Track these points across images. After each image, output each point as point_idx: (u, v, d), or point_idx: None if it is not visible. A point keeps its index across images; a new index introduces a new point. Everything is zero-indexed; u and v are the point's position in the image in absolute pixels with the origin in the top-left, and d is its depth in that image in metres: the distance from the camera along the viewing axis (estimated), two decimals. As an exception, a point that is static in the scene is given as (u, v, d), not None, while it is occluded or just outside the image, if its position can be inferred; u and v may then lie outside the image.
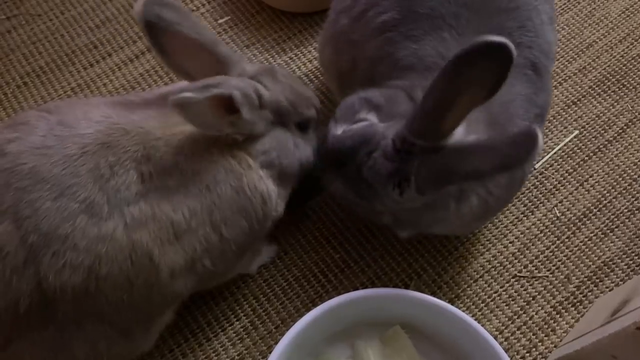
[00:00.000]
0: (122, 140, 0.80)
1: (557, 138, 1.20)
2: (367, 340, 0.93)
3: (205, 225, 0.83)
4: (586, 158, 1.18)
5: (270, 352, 0.87)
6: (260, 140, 0.87)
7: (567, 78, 1.28)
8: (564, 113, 1.23)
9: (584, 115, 1.23)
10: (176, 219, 0.80)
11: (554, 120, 1.22)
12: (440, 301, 0.88)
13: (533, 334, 1.00)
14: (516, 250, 1.08)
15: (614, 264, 1.07)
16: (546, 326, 1.01)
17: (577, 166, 1.17)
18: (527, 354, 0.99)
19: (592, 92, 1.26)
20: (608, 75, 1.28)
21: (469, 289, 1.04)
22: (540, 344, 1.00)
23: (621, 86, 1.26)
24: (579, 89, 1.26)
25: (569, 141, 1.19)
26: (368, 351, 0.91)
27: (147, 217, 0.79)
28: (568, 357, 0.88)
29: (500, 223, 1.11)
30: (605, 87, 1.26)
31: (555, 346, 0.99)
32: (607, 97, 1.25)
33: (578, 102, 1.24)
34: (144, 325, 0.85)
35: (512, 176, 0.91)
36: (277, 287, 1.04)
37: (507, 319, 1.02)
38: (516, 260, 1.07)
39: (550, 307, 1.03)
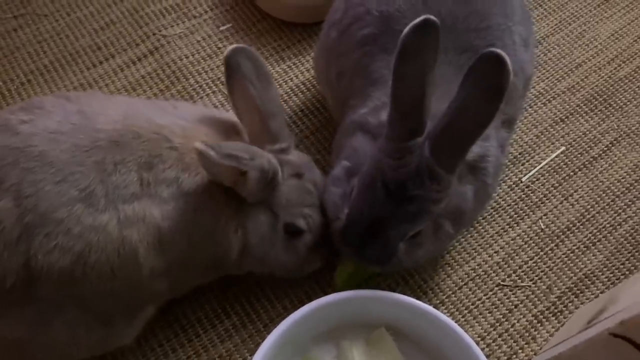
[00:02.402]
0: (133, 143, 0.85)
1: (544, 153, 1.24)
2: (352, 340, 0.95)
3: (184, 241, 0.87)
4: (571, 173, 1.21)
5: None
6: (250, 207, 0.91)
7: (555, 96, 1.32)
8: (552, 129, 1.27)
9: (571, 132, 1.27)
10: (162, 227, 0.85)
11: (542, 136, 1.26)
12: (424, 305, 0.91)
13: (514, 342, 1.03)
14: (500, 260, 1.11)
15: (594, 276, 1.10)
16: (527, 334, 1.04)
17: (562, 181, 1.20)
18: (508, 361, 1.02)
19: (580, 110, 1.30)
20: (595, 94, 1.32)
21: (453, 295, 1.07)
22: (520, 351, 1.02)
23: (608, 105, 1.30)
24: (567, 107, 1.30)
25: (556, 157, 1.23)
26: (353, 351, 0.94)
27: (138, 218, 0.83)
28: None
29: (485, 233, 1.14)
30: (592, 105, 1.30)
31: (535, 354, 1.02)
32: (594, 115, 1.29)
33: (566, 120, 1.28)
34: (124, 317, 0.88)
35: (478, 192, 0.95)
36: (267, 287, 1.07)
37: (489, 325, 1.05)
38: (500, 270, 1.10)
39: (532, 315, 1.06)
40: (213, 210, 0.89)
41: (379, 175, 0.86)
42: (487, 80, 0.77)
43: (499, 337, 1.04)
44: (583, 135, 1.26)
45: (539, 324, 1.05)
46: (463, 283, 1.09)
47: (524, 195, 1.18)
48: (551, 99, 1.31)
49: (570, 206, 1.17)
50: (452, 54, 0.93)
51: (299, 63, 1.33)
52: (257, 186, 0.87)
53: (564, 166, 1.22)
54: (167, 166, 0.86)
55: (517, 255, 1.12)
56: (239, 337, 1.02)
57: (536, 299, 1.07)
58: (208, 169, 0.85)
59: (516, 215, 1.16)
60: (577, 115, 1.29)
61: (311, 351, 0.95)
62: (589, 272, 1.10)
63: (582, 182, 1.20)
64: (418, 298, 1.05)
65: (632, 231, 1.14)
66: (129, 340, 0.94)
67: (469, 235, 1.13)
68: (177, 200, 0.86)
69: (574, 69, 1.36)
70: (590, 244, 1.13)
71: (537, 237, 1.14)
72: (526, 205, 1.17)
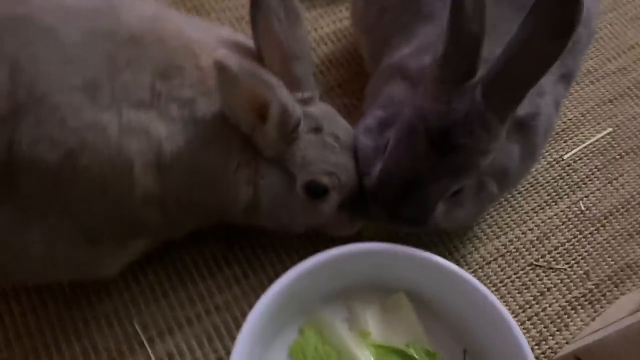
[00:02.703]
0: (154, 46, 0.74)
1: (589, 133, 1.13)
2: (366, 303, 0.85)
3: (186, 173, 0.77)
4: (617, 157, 1.11)
5: (259, 303, 0.79)
6: (266, 163, 0.80)
7: (605, 75, 1.21)
8: (599, 109, 1.16)
9: (619, 114, 1.16)
10: (164, 149, 0.74)
11: (588, 115, 1.15)
12: (455, 266, 0.80)
13: (544, 327, 0.92)
14: (534, 239, 1.00)
15: (637, 266, 0.99)
16: (559, 320, 0.93)
17: (607, 163, 1.10)
18: (536, 347, 0.91)
19: (630, 92, 1.19)
20: (648, 78, 1.22)
21: (480, 270, 0.97)
22: (550, 337, 0.91)
23: (661, 92, 1.20)
24: (617, 87, 1.20)
25: (601, 137, 1.13)
26: (366, 315, 0.83)
27: (141, 128, 0.73)
28: (587, 348, 0.80)
29: (520, 208, 1.03)
30: (644, 90, 1.20)
31: (567, 342, 0.91)
32: (645, 100, 1.19)
33: (614, 101, 1.18)
34: (112, 240, 0.78)
35: (524, 152, 0.84)
36: (275, 239, 0.96)
37: (518, 307, 0.94)
38: (534, 249, 0.99)
39: (565, 301, 0.95)
40: (225, 150, 0.78)
41: (421, 123, 0.75)
42: (555, 14, 0.66)
43: (528, 320, 0.93)
44: (632, 119, 1.16)
45: (573, 311, 0.94)
46: (492, 258, 0.98)
47: (564, 174, 1.08)
48: (600, 77, 1.21)
49: (615, 190, 1.07)
50: None
51: (331, 12, 1.23)
52: (277, 131, 0.76)
53: (610, 148, 1.12)
54: (187, 83, 0.75)
55: (553, 236, 1.01)
56: (240, 288, 0.92)
57: (571, 283, 0.97)
58: (224, 90, 0.73)
59: (555, 194, 1.05)
60: (627, 98, 1.19)
61: (321, 311, 0.84)
62: (632, 261, 0.99)
63: (628, 166, 1.10)
64: (442, 268, 0.95)
65: (681, 224, 1.04)
66: (113, 271, 0.84)
67: (502, 209, 1.03)
68: (187, 124, 0.75)
69: (626, 50, 1.25)
70: (635, 232, 1.02)
71: (576, 219, 1.03)
72: (566, 184, 1.07)
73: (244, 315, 0.88)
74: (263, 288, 0.90)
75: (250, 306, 0.89)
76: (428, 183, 0.77)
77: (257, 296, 0.90)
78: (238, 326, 0.88)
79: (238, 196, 0.81)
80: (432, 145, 0.75)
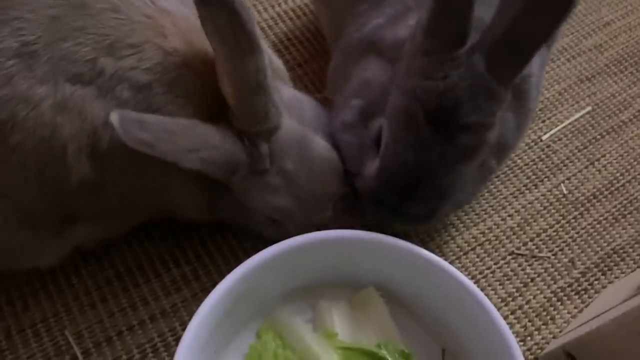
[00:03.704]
0: (104, 14, 0.64)
1: (568, 112, 1.06)
2: (332, 300, 0.75)
3: (123, 163, 0.66)
4: (598, 137, 1.04)
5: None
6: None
7: (581, 53, 1.15)
8: (577, 87, 1.09)
9: (597, 92, 1.09)
10: (100, 134, 0.64)
11: (565, 94, 1.08)
12: (433, 256, 0.71)
13: (529, 321, 0.84)
14: (515, 225, 0.92)
15: (624, 252, 0.91)
16: (544, 313, 0.85)
17: (588, 144, 1.03)
18: (521, 343, 0.82)
19: (608, 70, 1.13)
20: (626, 55, 1.15)
21: (457, 261, 0.88)
22: (536, 332, 0.83)
23: None
24: (594, 65, 1.13)
25: (581, 117, 1.06)
26: (333, 313, 0.73)
27: (75, 106, 0.63)
28: (578, 341, 0.71)
29: (498, 193, 0.95)
30: (622, 67, 1.13)
31: (554, 337, 0.83)
32: (624, 77, 1.12)
33: (592, 79, 1.11)
34: (50, 228, 0.68)
35: (520, 120, 0.76)
36: (230, 235, 0.86)
37: (499, 300, 0.85)
38: (514, 236, 0.91)
39: (551, 292, 0.87)
40: None
41: (418, 107, 0.66)
42: None
43: (511, 314, 0.84)
44: (612, 97, 1.09)
45: (559, 302, 0.86)
46: (470, 248, 0.89)
47: (543, 155, 1.00)
48: (576, 55, 1.14)
49: (597, 172, 0.99)
50: None
51: (290, -12, 1.14)
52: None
53: (590, 128, 1.05)
54: (143, 66, 0.64)
55: (534, 222, 0.93)
56: (189, 290, 0.81)
57: (556, 273, 0.88)
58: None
59: (535, 177, 0.98)
60: (605, 76, 1.12)
61: (281, 310, 0.74)
62: (618, 247, 0.92)
63: (610, 146, 1.03)
64: (415, 260, 0.86)
65: (667, 206, 0.97)
66: (50, 262, 0.74)
67: (479, 195, 0.94)
68: (139, 109, 0.65)
69: (602, 26, 1.19)
70: (620, 216, 0.95)
71: (558, 204, 0.95)
72: (546, 167, 0.99)
73: (194, 319, 0.78)
74: (216, 288, 0.81)
75: (201, 309, 0.80)
76: (439, 174, 0.68)
77: (210, 298, 0.80)
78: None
79: (193, 203, 0.73)
80: (436, 129, 0.66)
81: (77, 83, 0.62)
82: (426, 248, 0.87)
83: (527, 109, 0.76)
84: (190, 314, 0.78)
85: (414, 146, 0.67)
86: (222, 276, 0.81)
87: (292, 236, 0.72)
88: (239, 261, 0.83)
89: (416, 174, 0.68)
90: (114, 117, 0.59)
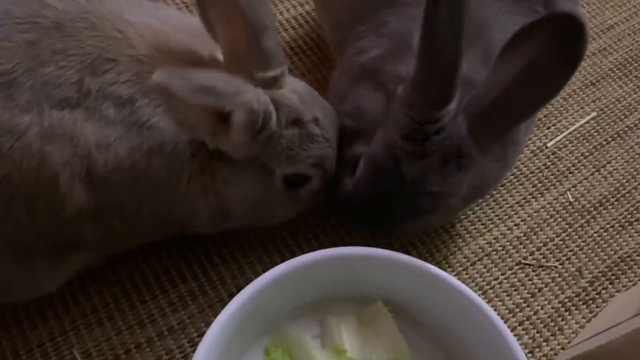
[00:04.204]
0: (83, 34, 0.63)
1: (573, 118, 1.05)
2: (340, 316, 0.75)
3: (125, 187, 0.66)
4: (604, 142, 1.03)
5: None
6: (231, 167, 0.69)
7: (585, 57, 1.13)
8: (581, 93, 1.09)
9: (602, 97, 1.09)
10: (95, 157, 0.63)
11: (570, 99, 1.08)
12: (437, 269, 0.71)
13: (537, 332, 0.84)
14: (522, 235, 0.92)
15: (632, 260, 0.91)
16: (552, 324, 0.84)
17: (593, 150, 1.02)
18: (530, 355, 0.82)
19: (613, 74, 1.12)
20: (630, 59, 1.14)
21: (464, 272, 0.88)
22: (544, 343, 0.83)
23: (645, 72, 1.14)
24: (598, 69, 1.12)
25: (586, 123, 1.05)
26: (341, 329, 0.73)
27: (64, 132, 0.61)
28: (588, 354, 0.71)
29: (504, 202, 0.95)
30: (626, 71, 1.13)
31: (562, 348, 0.82)
32: (629, 81, 1.11)
33: (597, 83, 1.11)
34: (48, 258, 0.67)
35: (505, 161, 0.77)
36: (236, 249, 0.86)
37: (507, 311, 0.85)
38: (521, 246, 0.91)
39: (559, 302, 0.86)
40: (175, 159, 0.67)
41: (393, 161, 0.68)
42: (558, 49, 0.59)
43: (519, 325, 0.84)
44: (617, 102, 1.08)
45: (567, 313, 0.86)
46: (477, 259, 0.89)
47: (549, 163, 1.00)
48: (580, 59, 1.13)
49: (603, 179, 0.99)
50: None
51: (292, -4, 1.13)
52: (245, 136, 0.64)
53: (595, 134, 1.04)
54: (122, 79, 0.64)
55: (541, 231, 0.92)
56: (196, 306, 0.81)
57: (564, 282, 0.88)
58: (175, 111, 0.61)
59: (540, 185, 0.97)
60: (610, 80, 1.11)
61: (287, 327, 0.74)
62: (625, 255, 0.92)
63: (616, 152, 1.02)
64: (422, 272, 0.86)
65: (674, 212, 0.97)
66: (50, 290, 0.73)
67: (485, 204, 0.94)
68: (129, 130, 0.64)
69: (605, 30, 1.18)
70: (627, 223, 0.95)
71: (564, 211, 0.95)
72: (552, 174, 0.98)
73: (202, 336, 0.78)
74: (223, 304, 0.80)
75: (209, 325, 0.79)
76: (394, 212, 0.72)
77: (217, 313, 0.80)
78: (195, 350, 0.77)
79: (196, 208, 0.72)
80: (402, 187, 0.69)
81: (64, 108, 0.61)
82: (433, 259, 0.88)
83: (515, 144, 0.76)
84: (198, 331, 0.79)
85: (378, 191, 0.71)
86: (228, 291, 0.82)
87: (305, 205, 0.77)
88: (244, 274, 0.84)
89: (380, 208, 0.72)
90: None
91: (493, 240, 0.91)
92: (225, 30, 0.68)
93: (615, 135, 1.04)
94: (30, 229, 0.63)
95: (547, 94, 0.62)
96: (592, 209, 0.96)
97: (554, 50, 0.58)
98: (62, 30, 0.62)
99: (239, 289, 0.81)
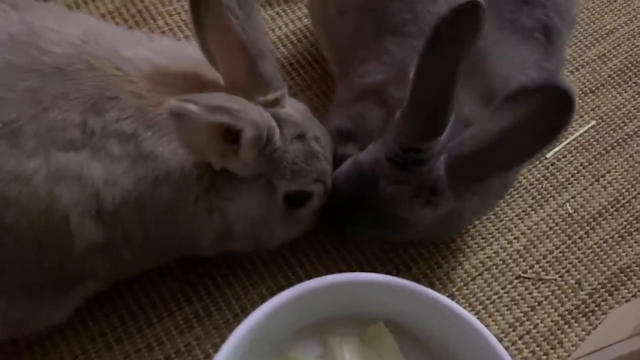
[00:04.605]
0: (83, 75, 0.65)
1: (572, 127, 1.06)
2: (343, 337, 0.76)
3: (133, 217, 0.68)
4: (603, 152, 1.04)
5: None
6: (235, 184, 0.71)
7: (584, 64, 1.14)
8: (581, 101, 1.09)
9: (602, 105, 1.09)
10: (103, 194, 0.65)
11: (569, 108, 1.08)
12: (435, 293, 0.72)
13: (537, 346, 0.85)
14: (521, 248, 0.93)
15: (631, 271, 0.92)
16: (552, 337, 0.86)
17: (593, 160, 1.03)
18: (530, 369, 0.84)
19: (612, 81, 1.12)
20: (629, 65, 1.14)
21: (465, 287, 0.89)
22: (545, 357, 0.84)
23: (644, 78, 1.14)
24: (598, 76, 1.13)
25: (585, 132, 1.05)
26: (343, 349, 0.75)
27: (72, 173, 0.63)
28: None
29: (504, 215, 0.96)
30: (626, 77, 1.13)
31: (562, 361, 0.84)
32: (628, 87, 1.12)
33: (596, 91, 1.11)
34: (56, 293, 0.69)
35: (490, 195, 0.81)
36: (239, 270, 0.87)
37: (507, 325, 0.86)
38: (521, 259, 0.92)
39: (558, 315, 0.88)
40: (181, 183, 0.69)
41: (372, 177, 0.71)
42: (546, 117, 0.61)
43: (519, 339, 0.85)
44: (616, 110, 1.09)
45: (567, 326, 0.87)
46: (477, 273, 0.90)
47: (548, 174, 1.00)
48: (579, 67, 1.13)
49: (602, 189, 1.00)
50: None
51: (289, 10, 1.13)
52: (253, 151, 0.66)
53: (595, 143, 1.05)
54: (124, 116, 0.66)
55: (540, 244, 0.94)
56: (202, 328, 0.83)
57: (563, 295, 0.89)
58: (187, 136, 0.62)
59: (540, 197, 0.98)
60: (609, 87, 1.11)
61: (291, 349, 0.75)
62: (625, 266, 0.93)
63: (615, 162, 1.03)
64: (423, 289, 0.87)
65: (673, 221, 0.97)
66: (61, 319, 0.75)
67: (485, 218, 0.95)
68: (134, 163, 0.66)
69: (604, 35, 1.18)
70: (626, 234, 0.96)
71: (564, 223, 0.96)
72: (551, 186, 0.99)
73: (208, 358, 0.81)
74: (228, 325, 0.83)
75: (215, 347, 0.81)
76: (363, 223, 0.77)
77: (222, 335, 0.82)
78: (202, 372, 0.79)
79: (202, 228, 0.73)
80: (375, 200, 0.72)
81: (70, 150, 0.63)
82: (434, 275, 0.89)
83: (500, 189, 0.80)
84: (205, 352, 0.81)
85: (353, 196, 0.75)
86: (233, 312, 0.84)
87: (305, 225, 0.80)
88: (248, 295, 0.86)
89: (352, 208, 0.76)
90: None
91: (493, 255, 0.92)
92: (224, 59, 0.70)
93: (615, 144, 1.05)
94: (39, 267, 0.65)
95: (525, 155, 0.65)
96: (591, 220, 0.97)
97: (541, 117, 0.61)
98: (62, 74, 0.64)
99: (244, 310, 0.84)
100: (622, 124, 1.07)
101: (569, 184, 1.00)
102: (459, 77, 0.61)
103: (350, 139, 0.79)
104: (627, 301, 0.89)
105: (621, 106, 1.09)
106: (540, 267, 0.92)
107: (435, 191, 0.69)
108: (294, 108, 0.74)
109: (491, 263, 0.91)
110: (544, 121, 0.61)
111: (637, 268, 0.93)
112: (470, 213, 0.82)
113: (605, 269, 0.92)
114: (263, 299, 0.84)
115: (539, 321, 0.87)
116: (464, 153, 0.66)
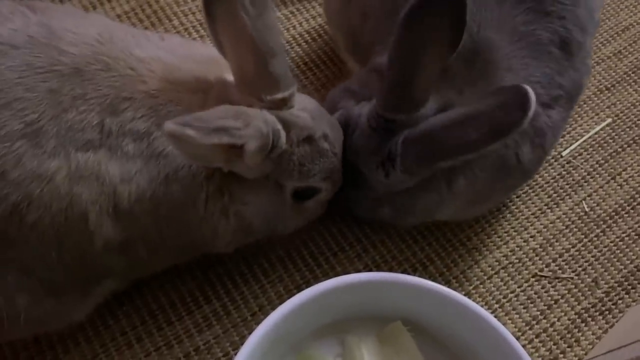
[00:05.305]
0: (99, 76, 0.66)
1: (588, 125, 1.06)
2: (361, 336, 0.77)
3: (149, 215, 0.69)
4: (619, 149, 1.03)
5: (243, 343, 0.70)
6: (246, 187, 0.72)
7: (600, 61, 1.14)
8: (596, 99, 1.09)
9: (618, 102, 1.09)
10: (120, 191, 0.66)
11: (585, 106, 1.08)
12: (452, 292, 0.72)
13: (554, 344, 0.85)
14: (537, 246, 0.93)
15: (648, 270, 0.92)
16: (569, 335, 0.86)
17: (609, 157, 1.02)
18: (547, 367, 0.84)
19: (628, 78, 1.12)
20: (646, 62, 1.14)
21: (481, 286, 0.89)
22: (562, 355, 0.85)
23: (660, 75, 1.13)
24: (613, 74, 1.12)
25: (601, 129, 1.05)
26: (362, 349, 0.75)
27: (91, 172, 0.64)
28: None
29: (520, 214, 0.96)
30: (642, 74, 1.13)
31: (579, 359, 0.84)
32: (644, 85, 1.11)
33: (612, 88, 1.10)
34: (76, 290, 0.71)
35: (501, 160, 0.78)
36: (257, 268, 0.88)
37: (524, 323, 0.87)
38: (537, 258, 0.92)
39: (575, 313, 0.88)
40: (191, 183, 0.69)
41: (355, 125, 0.77)
42: (497, 115, 0.65)
43: (536, 337, 0.86)
44: (632, 107, 1.08)
45: (584, 324, 0.87)
46: (493, 272, 0.90)
47: (564, 172, 1.00)
48: (595, 64, 1.13)
49: (619, 187, 0.99)
50: None
51: (303, 9, 1.13)
52: (258, 158, 0.66)
53: (611, 141, 1.04)
54: (138, 115, 0.66)
55: (557, 242, 0.94)
56: (221, 326, 0.83)
57: (580, 293, 0.89)
58: (186, 152, 0.63)
59: (556, 195, 0.98)
60: (625, 84, 1.11)
61: (309, 348, 0.76)
62: (642, 264, 0.93)
63: (631, 159, 1.02)
64: (440, 287, 0.88)
65: (690, 219, 0.97)
66: (80, 318, 0.76)
67: (501, 216, 0.95)
68: (147, 161, 0.67)
69: (620, 32, 1.17)
70: (643, 232, 0.96)
71: (580, 222, 0.96)
72: (567, 184, 0.99)
73: (227, 356, 0.81)
74: (246, 324, 0.84)
75: (233, 345, 0.83)
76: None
77: (241, 334, 0.83)
78: (222, 370, 0.80)
79: (217, 230, 0.74)
80: (348, 147, 0.77)
81: (89, 150, 0.64)
82: (450, 274, 0.90)
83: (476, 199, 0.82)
84: (224, 351, 0.82)
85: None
86: (251, 310, 0.85)
87: (315, 214, 0.81)
88: (266, 294, 0.87)
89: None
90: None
91: (509, 253, 0.92)
92: (234, 53, 0.70)
93: (631, 142, 1.04)
94: (59, 265, 0.66)
95: (467, 148, 0.66)
96: (607, 218, 0.96)
97: (495, 113, 0.64)
98: (80, 74, 0.65)
99: (262, 308, 0.85)
100: (638, 122, 1.07)
101: (585, 182, 1.00)
102: (428, 60, 0.66)
103: (351, 96, 0.82)
104: (644, 300, 0.89)
105: (637, 103, 1.09)
106: (556, 265, 0.92)
107: (388, 158, 0.72)
108: (303, 106, 0.74)
109: (507, 261, 0.91)
110: (496, 118, 0.64)
111: (654, 266, 0.93)
112: (463, 200, 0.81)
113: (622, 267, 0.92)
114: (280, 297, 0.86)
115: (555, 319, 0.87)
116: (418, 131, 0.70)
